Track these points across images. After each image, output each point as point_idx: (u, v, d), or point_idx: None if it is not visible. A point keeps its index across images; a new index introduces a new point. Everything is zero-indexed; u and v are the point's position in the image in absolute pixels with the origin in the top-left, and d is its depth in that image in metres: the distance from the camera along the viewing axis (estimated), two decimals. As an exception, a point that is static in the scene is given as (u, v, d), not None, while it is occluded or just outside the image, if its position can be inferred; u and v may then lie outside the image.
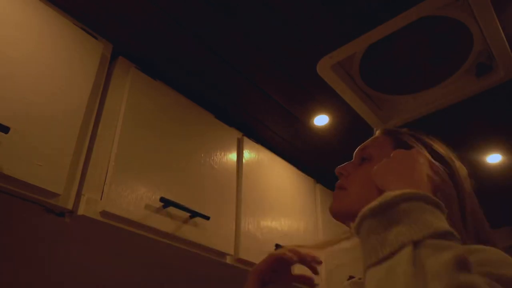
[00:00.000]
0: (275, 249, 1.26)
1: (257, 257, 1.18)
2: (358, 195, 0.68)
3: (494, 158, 1.61)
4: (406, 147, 0.68)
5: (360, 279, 0.74)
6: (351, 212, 0.65)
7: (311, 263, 0.76)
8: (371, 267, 0.44)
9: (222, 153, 1.25)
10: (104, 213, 0.87)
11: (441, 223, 0.45)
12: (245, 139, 1.36)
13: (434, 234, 0.42)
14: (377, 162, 0.66)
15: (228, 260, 1.13)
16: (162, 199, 0.97)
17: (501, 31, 1.06)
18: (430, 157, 0.64)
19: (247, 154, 1.34)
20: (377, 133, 0.79)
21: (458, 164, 0.68)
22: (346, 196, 0.70)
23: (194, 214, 1.03)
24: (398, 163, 0.60)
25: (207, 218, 1.06)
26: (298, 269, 0.75)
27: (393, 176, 0.58)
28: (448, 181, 0.62)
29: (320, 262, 0.78)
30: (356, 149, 0.78)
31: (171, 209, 1.00)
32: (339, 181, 0.74)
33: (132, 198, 0.93)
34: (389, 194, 0.48)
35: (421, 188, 0.53)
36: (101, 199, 0.88)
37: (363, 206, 0.59)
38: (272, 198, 1.36)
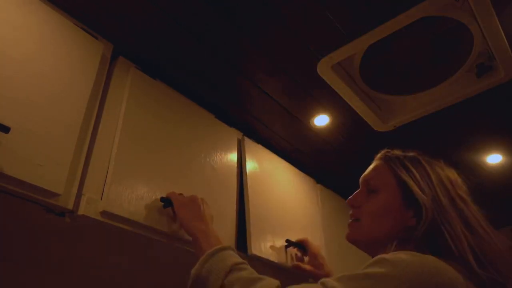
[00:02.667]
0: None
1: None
2: (370, 227, 0.78)
3: (494, 159, 1.61)
4: (397, 174, 0.78)
5: None
6: (366, 241, 0.79)
7: None
8: None
9: (223, 153, 1.25)
10: (104, 213, 0.87)
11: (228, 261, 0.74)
12: (246, 139, 1.36)
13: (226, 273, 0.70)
14: (383, 192, 0.78)
15: (228, 260, 1.13)
16: (162, 199, 0.97)
17: (502, 31, 1.06)
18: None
19: (247, 154, 1.33)
20: (376, 158, 0.86)
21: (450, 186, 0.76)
22: (360, 227, 0.80)
23: (194, 214, 1.03)
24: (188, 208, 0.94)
25: (207, 218, 1.06)
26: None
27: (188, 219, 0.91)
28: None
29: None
30: (361, 177, 0.86)
31: (171, 209, 0.99)
32: (352, 211, 0.83)
33: (132, 198, 0.93)
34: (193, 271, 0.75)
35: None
36: (101, 199, 0.88)
37: (375, 235, 0.77)
38: (272, 199, 1.36)
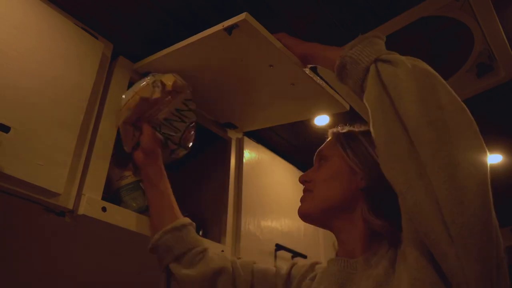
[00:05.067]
0: (276, 249, 1.26)
1: (257, 257, 1.19)
2: (324, 194, 0.76)
3: (494, 159, 1.61)
4: (344, 145, 0.80)
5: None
6: (321, 212, 0.76)
7: None
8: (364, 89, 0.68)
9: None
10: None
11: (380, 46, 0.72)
12: (245, 139, 1.36)
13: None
14: (331, 161, 0.79)
15: (228, 260, 1.13)
16: (162, 199, 0.97)
17: (502, 31, 1.06)
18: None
19: (247, 154, 1.33)
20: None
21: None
22: (313, 197, 0.78)
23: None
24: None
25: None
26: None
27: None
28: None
29: None
30: (315, 155, 0.88)
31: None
32: (304, 186, 0.83)
33: (132, 198, 0.93)
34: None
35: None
36: (101, 199, 0.89)
37: (330, 203, 0.75)
38: (272, 198, 1.36)
